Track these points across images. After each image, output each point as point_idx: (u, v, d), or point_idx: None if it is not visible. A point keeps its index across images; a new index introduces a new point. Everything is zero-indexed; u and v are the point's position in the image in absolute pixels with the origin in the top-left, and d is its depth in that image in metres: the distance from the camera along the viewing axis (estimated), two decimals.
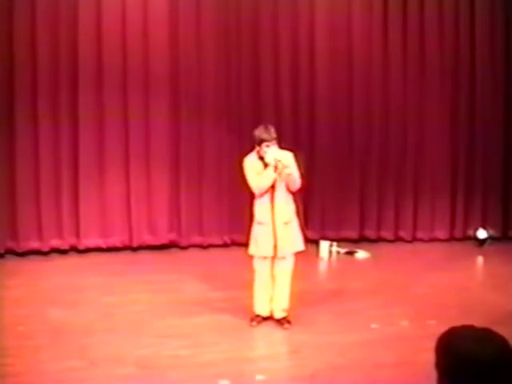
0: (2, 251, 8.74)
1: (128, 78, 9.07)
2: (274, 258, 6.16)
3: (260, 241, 6.14)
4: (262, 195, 6.09)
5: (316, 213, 9.89)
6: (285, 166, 5.93)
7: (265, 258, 6.16)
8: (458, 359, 2.13)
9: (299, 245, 6.26)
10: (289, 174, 5.99)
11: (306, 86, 9.73)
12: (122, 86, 9.06)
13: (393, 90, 9.97)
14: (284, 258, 6.15)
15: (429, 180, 10.14)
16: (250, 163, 6.13)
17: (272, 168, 5.94)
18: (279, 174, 5.96)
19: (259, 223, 6.15)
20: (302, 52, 9.68)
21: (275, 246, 6.09)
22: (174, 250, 9.42)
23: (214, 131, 9.44)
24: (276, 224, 6.06)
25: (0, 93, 8.61)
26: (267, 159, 5.97)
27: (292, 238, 6.17)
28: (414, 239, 10.18)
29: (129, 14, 9.00)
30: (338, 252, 9.34)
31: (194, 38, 9.26)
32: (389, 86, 9.96)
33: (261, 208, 6.13)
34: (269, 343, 6.11)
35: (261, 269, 6.22)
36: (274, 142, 6.01)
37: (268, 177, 6.00)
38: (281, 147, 6.14)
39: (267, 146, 5.98)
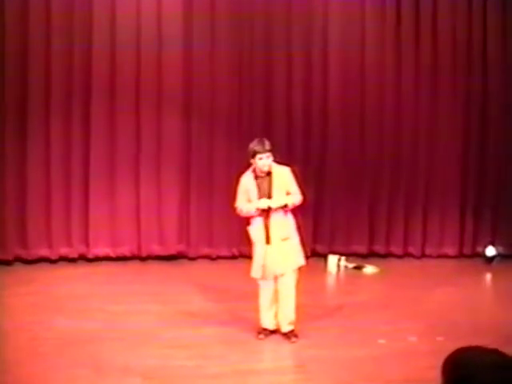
0: (11, 258, 8.78)
1: (140, 91, 9.14)
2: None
3: (254, 260, 6.19)
4: (252, 216, 6.13)
5: (325, 227, 9.89)
6: (279, 207, 5.99)
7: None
8: None
9: (299, 260, 6.23)
10: (286, 206, 6.04)
11: (317, 101, 9.77)
12: (134, 98, 9.13)
13: (404, 108, 9.98)
14: (283, 274, 6.14)
15: (438, 196, 10.12)
16: (244, 184, 6.14)
17: (256, 211, 6.01)
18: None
19: (254, 243, 6.19)
20: (314, 67, 9.72)
21: (263, 267, 6.09)
22: (182, 260, 9.44)
23: (224, 143, 9.48)
24: (272, 242, 6.06)
25: (13, 104, 8.69)
26: (260, 205, 6.00)
27: (291, 254, 6.15)
28: (423, 255, 10.15)
29: (143, 29, 9.08)
30: (347, 266, 9.32)
31: (206, 53, 9.31)
32: (401, 103, 9.97)
33: (254, 228, 6.16)
34: (275, 357, 6.09)
35: (264, 285, 6.22)
36: (268, 154, 6.00)
37: (250, 214, 6.08)
38: (277, 162, 6.15)
39: (260, 158, 5.98)
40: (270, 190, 6.04)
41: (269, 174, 6.07)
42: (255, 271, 6.18)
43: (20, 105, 8.73)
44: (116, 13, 8.99)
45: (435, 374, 2.53)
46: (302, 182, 6.41)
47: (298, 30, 9.62)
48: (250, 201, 6.09)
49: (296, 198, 6.12)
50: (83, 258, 9.13)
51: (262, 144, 5.99)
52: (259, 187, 6.06)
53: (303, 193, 6.25)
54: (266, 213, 6.05)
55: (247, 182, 6.13)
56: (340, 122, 9.82)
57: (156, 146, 9.26)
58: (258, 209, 6.01)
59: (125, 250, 9.30)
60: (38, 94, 8.78)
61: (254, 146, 6.01)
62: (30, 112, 8.77)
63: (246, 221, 6.29)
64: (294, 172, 6.23)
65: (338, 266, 9.26)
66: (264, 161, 5.99)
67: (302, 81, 9.70)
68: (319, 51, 9.72)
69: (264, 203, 5.99)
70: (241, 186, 6.17)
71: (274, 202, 5.99)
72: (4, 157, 8.70)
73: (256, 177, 6.09)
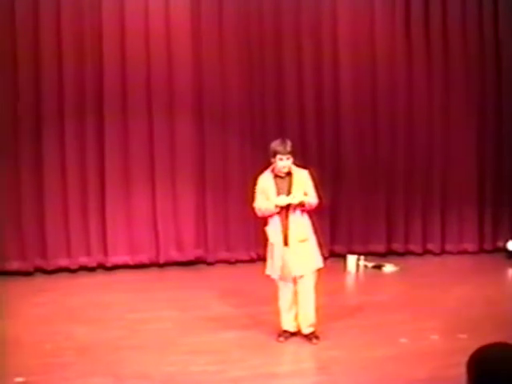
0: (32, 269, 8.81)
1: (152, 96, 9.12)
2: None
3: (271, 261, 6.14)
4: (271, 216, 6.09)
5: (343, 227, 9.84)
6: (298, 204, 5.96)
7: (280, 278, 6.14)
8: (496, 382, 2.07)
9: (317, 262, 6.19)
10: (303, 206, 6.00)
11: (330, 100, 9.71)
12: (146, 104, 9.12)
13: (418, 103, 9.91)
14: (302, 276, 6.10)
15: (456, 192, 10.03)
16: (262, 183, 6.12)
17: (275, 208, 5.97)
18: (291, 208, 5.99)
19: (271, 244, 6.15)
20: (326, 66, 9.67)
21: (282, 268, 6.06)
22: (200, 266, 9.42)
23: (238, 147, 9.46)
24: (290, 243, 6.01)
25: (27, 114, 8.71)
26: (280, 202, 5.96)
27: (310, 256, 6.11)
28: (443, 252, 10.06)
29: (152, 34, 9.06)
30: (366, 266, 9.26)
31: (216, 54, 9.29)
32: (414, 99, 9.90)
33: (271, 228, 6.12)
34: (297, 359, 6.05)
35: (283, 287, 6.19)
36: (288, 156, 5.98)
37: (270, 211, 6.04)
38: (296, 164, 6.12)
39: (280, 159, 5.96)
40: (290, 189, 6.01)
41: (289, 174, 6.05)
42: (274, 271, 6.13)
43: (34, 118, 8.74)
44: (125, 16, 8.95)
45: (459, 372, 2.50)
46: (318, 183, 6.38)
47: (308, 29, 9.56)
48: (268, 200, 6.06)
49: (312, 199, 6.09)
50: (102, 267, 9.14)
51: (284, 145, 5.98)
52: (278, 186, 6.03)
53: (319, 196, 6.24)
54: (284, 212, 6.02)
55: (265, 181, 6.11)
56: (353, 120, 9.76)
57: (170, 151, 9.25)
58: (277, 206, 5.97)
59: (143, 258, 9.29)
60: (51, 107, 8.75)
61: (275, 145, 6.00)
62: (44, 125, 8.75)
63: (264, 222, 6.27)
64: (311, 175, 6.20)
65: (358, 265, 9.21)
66: (284, 162, 5.97)
67: (313, 81, 9.65)
68: (329, 50, 9.66)
69: (284, 200, 5.95)
70: (259, 186, 6.15)
71: (293, 198, 5.96)
72: (20, 171, 8.73)
73: (275, 176, 6.07)
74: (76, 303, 7.54)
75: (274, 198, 6.01)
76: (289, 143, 6.00)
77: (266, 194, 6.06)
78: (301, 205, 5.99)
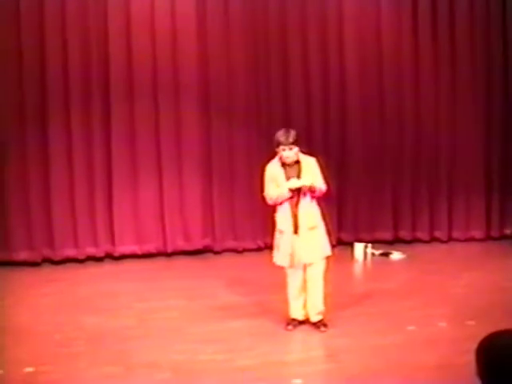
0: (39, 260, 8.84)
1: (158, 86, 9.10)
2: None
3: (281, 249, 6.13)
4: (281, 203, 6.07)
5: (350, 215, 9.84)
6: (307, 187, 5.95)
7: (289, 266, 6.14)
8: (504, 370, 2.06)
9: (326, 250, 6.19)
10: (313, 192, 5.99)
11: (336, 89, 9.68)
12: (152, 94, 9.10)
13: (425, 90, 9.88)
14: (311, 264, 6.11)
15: (463, 179, 10.01)
16: (271, 172, 6.10)
17: (288, 192, 5.95)
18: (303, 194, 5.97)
19: (280, 231, 6.13)
20: (332, 55, 9.64)
21: (292, 255, 6.05)
22: (208, 255, 9.43)
23: (244, 136, 9.44)
24: (299, 231, 6.00)
25: (33, 103, 8.71)
26: (292, 185, 5.94)
27: (319, 244, 6.11)
28: (450, 239, 10.06)
29: (157, 23, 9.03)
30: (373, 254, 9.26)
31: (222, 44, 9.26)
32: (421, 88, 9.86)
33: (281, 215, 6.10)
34: (305, 347, 6.06)
35: (292, 274, 6.18)
36: (291, 146, 5.94)
37: (282, 197, 6.00)
38: (302, 152, 6.11)
39: (283, 149, 5.95)
40: (299, 176, 5.99)
41: (297, 162, 6.04)
42: (282, 259, 6.12)
43: (40, 107, 8.74)
44: (131, 6, 8.92)
45: (467, 359, 2.50)
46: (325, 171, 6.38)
47: (314, 22, 9.50)
48: (279, 187, 6.04)
49: (322, 185, 6.08)
50: (109, 257, 9.16)
51: (287, 135, 5.94)
52: (287, 174, 6.01)
53: (328, 184, 6.23)
54: (295, 199, 6.00)
55: (274, 169, 6.09)
56: (359, 107, 9.73)
57: (176, 142, 9.24)
58: (290, 189, 5.96)
59: (150, 247, 9.31)
60: (57, 97, 8.74)
61: (279, 136, 5.97)
62: (50, 115, 8.74)
63: (272, 209, 6.26)
64: (319, 162, 6.19)
65: (365, 253, 9.21)
66: (287, 152, 5.95)
67: (320, 72, 9.62)
68: (335, 42, 9.62)
69: (296, 183, 5.93)
70: (267, 174, 6.13)
71: (304, 180, 5.94)
72: (26, 161, 8.74)
73: (283, 164, 6.06)
74: (84, 293, 7.56)
75: (285, 183, 6.00)
76: (292, 133, 5.96)
77: (276, 182, 6.04)
78: (311, 190, 5.98)
